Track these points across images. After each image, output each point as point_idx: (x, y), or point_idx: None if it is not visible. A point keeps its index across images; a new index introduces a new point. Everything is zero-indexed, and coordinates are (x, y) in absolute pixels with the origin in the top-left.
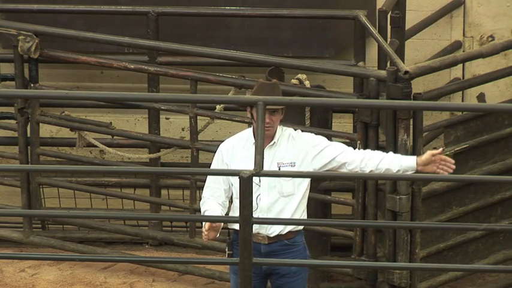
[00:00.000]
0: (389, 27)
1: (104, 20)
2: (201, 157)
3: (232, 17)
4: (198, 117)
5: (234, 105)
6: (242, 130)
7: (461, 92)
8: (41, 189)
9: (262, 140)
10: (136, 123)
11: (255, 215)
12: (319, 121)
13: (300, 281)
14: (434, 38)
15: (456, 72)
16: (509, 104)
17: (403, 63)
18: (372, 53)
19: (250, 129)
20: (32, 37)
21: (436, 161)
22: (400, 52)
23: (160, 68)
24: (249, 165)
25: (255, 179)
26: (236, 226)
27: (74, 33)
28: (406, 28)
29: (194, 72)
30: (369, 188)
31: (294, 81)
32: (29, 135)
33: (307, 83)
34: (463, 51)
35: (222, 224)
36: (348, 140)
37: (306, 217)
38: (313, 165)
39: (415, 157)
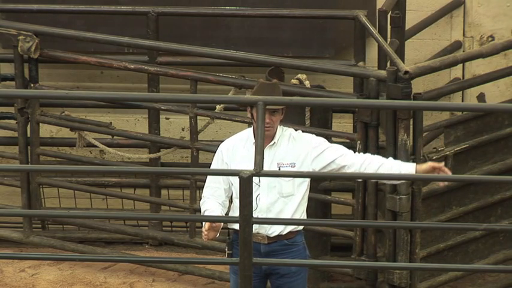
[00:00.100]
0: (389, 27)
1: (104, 20)
2: (201, 157)
3: (232, 17)
4: (198, 117)
5: (234, 105)
6: (242, 130)
7: (461, 92)
8: (41, 189)
9: (262, 140)
10: (136, 123)
11: (254, 214)
12: (319, 121)
13: (300, 281)
14: (434, 38)
15: (456, 72)
16: (509, 104)
17: (403, 63)
18: (372, 53)
19: (251, 129)
20: (32, 37)
21: (435, 172)
22: (400, 52)
23: (160, 68)
24: (249, 165)
25: (255, 179)
26: (236, 226)
27: (74, 33)
28: (406, 28)
29: (194, 72)
30: (369, 188)
31: (294, 81)
32: (29, 135)
33: (307, 83)
34: (463, 51)
35: (222, 224)
36: (347, 140)
37: (305, 217)
38: (313, 167)
39: (414, 165)
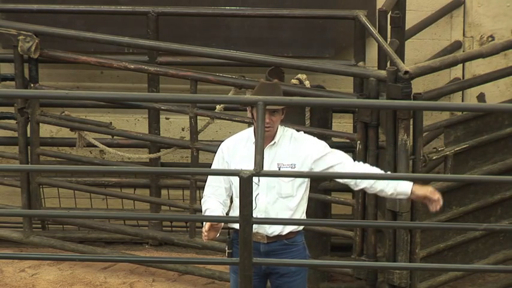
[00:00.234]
0: (389, 27)
1: (104, 20)
2: (201, 157)
3: (232, 17)
4: (198, 117)
5: (234, 105)
6: (242, 130)
7: (461, 92)
8: (41, 189)
9: (262, 140)
10: (136, 123)
11: (253, 214)
12: (319, 121)
13: (300, 281)
14: (434, 38)
15: (456, 72)
16: (509, 104)
17: (403, 63)
18: (372, 53)
19: (252, 129)
20: (32, 37)
21: (429, 200)
22: (400, 52)
23: (160, 68)
24: (249, 165)
25: (255, 179)
26: (236, 225)
27: (74, 33)
28: (406, 28)
29: (194, 72)
30: None
31: (294, 81)
32: (29, 135)
33: (307, 83)
34: (463, 51)
35: (223, 223)
36: (347, 140)
37: (305, 217)
38: (312, 168)
39: (411, 185)
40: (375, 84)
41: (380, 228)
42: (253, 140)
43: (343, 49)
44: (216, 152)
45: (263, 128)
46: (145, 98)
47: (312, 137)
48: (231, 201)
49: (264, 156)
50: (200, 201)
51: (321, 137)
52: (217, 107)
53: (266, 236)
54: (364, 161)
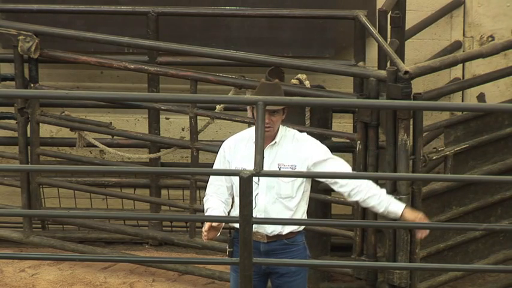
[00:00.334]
0: (389, 27)
1: (104, 20)
2: (201, 157)
3: (232, 17)
4: (198, 117)
5: (234, 105)
6: (242, 130)
7: (461, 92)
8: (41, 189)
9: (262, 140)
10: (136, 123)
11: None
12: (319, 121)
13: (300, 280)
14: (434, 38)
15: (456, 72)
16: (509, 104)
17: (403, 63)
18: (372, 53)
19: (253, 128)
20: (32, 37)
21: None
22: (400, 52)
23: (160, 68)
24: (249, 164)
25: (255, 178)
26: (237, 225)
27: (74, 33)
28: (406, 28)
29: (194, 72)
30: None
31: (294, 81)
32: (29, 135)
33: (307, 83)
34: (463, 51)
35: (223, 223)
36: (347, 140)
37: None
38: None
39: (403, 207)
40: (375, 84)
41: (380, 228)
42: (254, 140)
43: (343, 49)
44: (217, 152)
45: (263, 128)
46: (145, 98)
47: (314, 139)
48: (233, 200)
49: (265, 156)
50: (200, 201)
51: (321, 137)
52: (217, 107)
53: (266, 235)
54: (364, 161)
